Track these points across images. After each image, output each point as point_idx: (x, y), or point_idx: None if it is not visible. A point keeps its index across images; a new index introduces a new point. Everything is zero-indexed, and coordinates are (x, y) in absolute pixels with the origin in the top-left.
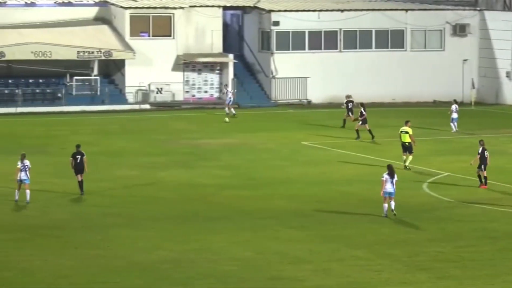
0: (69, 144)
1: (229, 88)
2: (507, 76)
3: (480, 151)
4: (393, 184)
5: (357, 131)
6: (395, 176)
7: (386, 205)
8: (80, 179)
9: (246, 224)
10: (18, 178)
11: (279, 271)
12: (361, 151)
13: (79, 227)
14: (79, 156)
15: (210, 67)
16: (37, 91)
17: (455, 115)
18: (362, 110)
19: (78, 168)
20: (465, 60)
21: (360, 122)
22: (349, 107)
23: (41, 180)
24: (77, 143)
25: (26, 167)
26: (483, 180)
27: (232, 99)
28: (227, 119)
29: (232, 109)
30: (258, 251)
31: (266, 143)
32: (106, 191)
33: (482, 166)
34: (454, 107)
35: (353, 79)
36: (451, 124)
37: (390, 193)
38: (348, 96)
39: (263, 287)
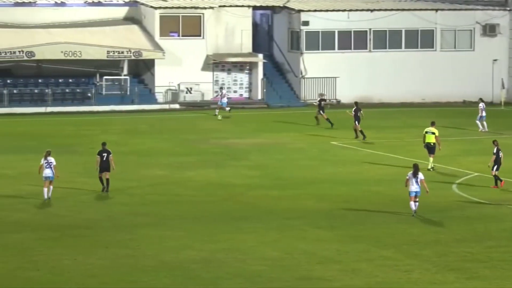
0: (98, 144)
1: (225, 91)
2: None
3: (494, 152)
4: (418, 183)
5: (355, 131)
6: (420, 175)
7: (412, 202)
8: (106, 177)
9: (274, 224)
10: (44, 175)
11: (307, 271)
12: (390, 151)
13: (108, 227)
14: (105, 154)
15: (239, 67)
16: (67, 90)
17: (483, 114)
18: (356, 108)
19: (104, 166)
20: (495, 60)
21: (356, 122)
22: (321, 105)
23: (71, 179)
24: (104, 141)
25: (51, 163)
26: (499, 180)
27: (226, 103)
28: (219, 116)
29: (217, 111)
30: (286, 251)
31: (295, 142)
32: (135, 190)
33: (495, 167)
34: (482, 105)
35: (382, 79)
36: (478, 122)
37: (416, 192)
38: (321, 95)
39: (291, 287)
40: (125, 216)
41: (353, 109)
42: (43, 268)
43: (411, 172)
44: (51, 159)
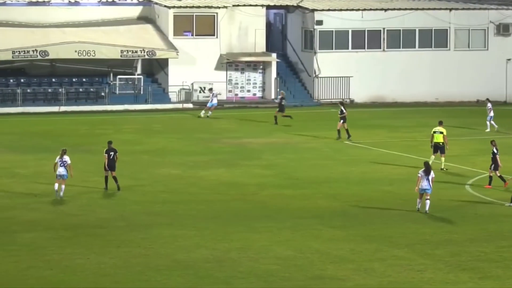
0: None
1: (215, 92)
2: None
3: (494, 151)
4: (429, 181)
5: (339, 131)
6: (432, 173)
7: (419, 200)
8: (113, 175)
9: (287, 223)
10: (58, 174)
11: (320, 270)
12: (403, 151)
13: (121, 226)
14: (112, 153)
15: (253, 66)
16: (81, 90)
17: (492, 113)
18: (342, 108)
19: (111, 165)
20: (509, 59)
21: (341, 121)
22: (282, 103)
23: (84, 178)
24: (110, 140)
25: (65, 162)
26: (503, 180)
27: (216, 104)
28: (202, 115)
29: (210, 112)
30: (299, 250)
31: (309, 142)
32: (148, 189)
33: (492, 166)
34: (489, 105)
35: (396, 78)
36: (488, 122)
37: (425, 190)
38: (281, 93)
39: (305, 286)
40: (138, 215)
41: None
42: (56, 267)
43: (423, 170)
44: (66, 157)
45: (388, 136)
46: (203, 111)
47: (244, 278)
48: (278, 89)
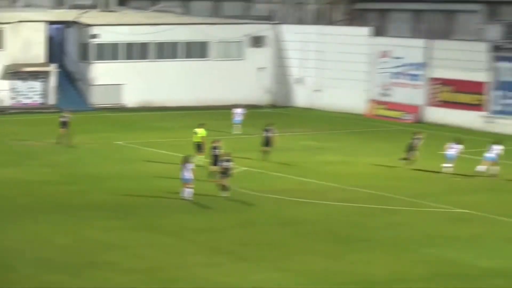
0: None
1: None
2: (298, 82)
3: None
4: (189, 172)
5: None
6: (189, 164)
7: (185, 189)
8: None
9: (67, 215)
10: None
11: (95, 256)
12: (172, 150)
13: None
14: None
15: (35, 75)
16: None
17: (240, 118)
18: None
19: None
20: (262, 68)
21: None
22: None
23: None
24: None
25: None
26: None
27: None
28: None
29: None
30: (77, 240)
31: (86, 143)
32: None
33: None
34: (238, 110)
35: (164, 85)
36: (235, 125)
37: (187, 180)
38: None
39: (82, 270)
40: None
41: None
42: None
43: (183, 162)
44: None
45: (158, 136)
46: None
47: (27, 264)
48: (57, 96)
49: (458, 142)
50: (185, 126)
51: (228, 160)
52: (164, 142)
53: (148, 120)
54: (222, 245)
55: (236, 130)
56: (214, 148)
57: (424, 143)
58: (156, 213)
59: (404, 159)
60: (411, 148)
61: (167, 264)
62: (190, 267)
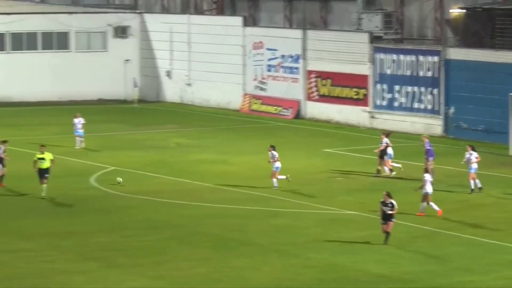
0: None
1: None
2: (167, 75)
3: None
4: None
5: None
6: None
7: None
8: None
9: None
10: None
11: None
12: (29, 148)
13: None
14: None
15: None
16: None
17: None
18: None
19: None
20: (127, 60)
21: None
22: None
23: None
24: None
25: None
26: None
27: None
28: None
29: None
30: None
31: None
32: None
33: None
34: (76, 120)
35: (21, 79)
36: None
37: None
38: None
39: None
40: None
41: None
42: None
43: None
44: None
45: (13, 134)
46: None
47: None
48: None
49: (473, 148)
50: (43, 123)
51: None
52: (20, 139)
53: (4, 116)
54: (89, 250)
55: (80, 144)
56: None
57: (304, 142)
58: (15, 216)
59: None
60: None
61: (28, 272)
62: (54, 275)
